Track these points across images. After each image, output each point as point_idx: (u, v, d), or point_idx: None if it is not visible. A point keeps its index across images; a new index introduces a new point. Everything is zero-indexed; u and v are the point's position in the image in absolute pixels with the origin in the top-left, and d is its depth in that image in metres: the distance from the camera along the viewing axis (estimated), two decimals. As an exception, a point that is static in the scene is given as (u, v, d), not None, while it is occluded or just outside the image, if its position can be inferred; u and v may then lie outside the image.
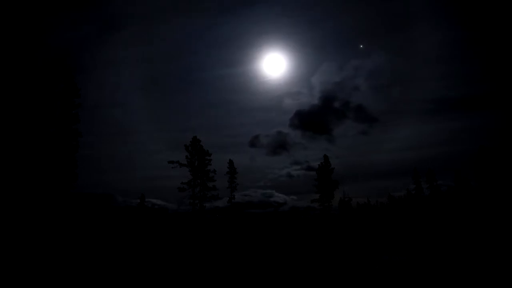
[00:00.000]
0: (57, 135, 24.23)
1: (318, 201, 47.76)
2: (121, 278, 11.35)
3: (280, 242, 23.91)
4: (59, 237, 18.90)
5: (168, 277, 11.64)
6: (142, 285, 10.57)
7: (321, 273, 12.23)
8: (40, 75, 23.71)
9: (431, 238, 22.59)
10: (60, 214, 22.35)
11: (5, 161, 21.13)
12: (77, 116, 25.00)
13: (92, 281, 10.85)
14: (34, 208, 20.87)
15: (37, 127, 23.24)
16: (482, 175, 47.75)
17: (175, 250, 19.05)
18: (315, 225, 40.68)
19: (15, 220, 18.84)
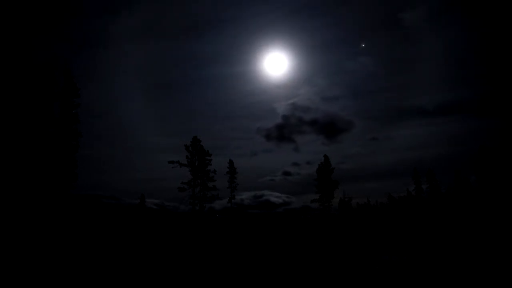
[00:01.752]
0: (57, 135, 24.22)
1: (318, 201, 47.72)
2: (122, 278, 11.35)
3: (280, 242, 23.89)
4: (59, 237, 18.89)
5: (169, 277, 11.63)
6: (143, 285, 10.56)
7: (321, 273, 12.22)
8: (40, 75, 23.69)
9: (431, 238, 22.57)
10: (61, 214, 22.34)
11: (5, 161, 21.12)
12: (77, 116, 25.00)
13: (93, 281, 10.84)
14: (34, 208, 20.86)
15: (37, 127, 23.22)
16: (483, 175, 47.74)
17: (175, 250, 19.04)
18: (315, 225, 40.68)
19: (15, 220, 18.83)
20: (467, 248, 16.85)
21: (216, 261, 15.19)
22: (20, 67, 23.17)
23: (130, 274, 12.06)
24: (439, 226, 29.04)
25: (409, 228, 29.93)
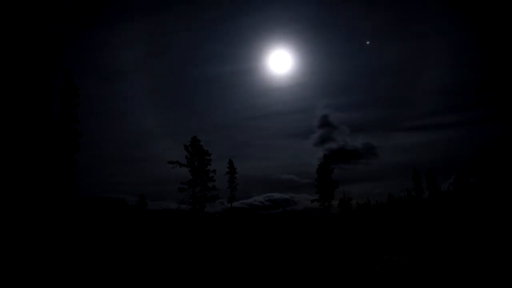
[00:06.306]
0: (57, 135, 24.25)
1: (318, 201, 47.74)
2: (122, 278, 11.34)
3: (280, 242, 23.87)
4: (58, 238, 18.88)
5: (170, 276, 11.62)
6: (144, 285, 10.56)
7: (321, 272, 12.21)
8: (39, 75, 23.68)
9: (431, 238, 22.56)
10: (61, 214, 22.32)
11: (5, 162, 21.11)
12: (76, 116, 25.04)
13: (93, 281, 10.83)
14: (34, 208, 20.85)
15: (37, 127, 23.23)
16: (482, 175, 47.81)
17: (175, 250, 19.03)
18: (315, 225, 40.63)
19: (15, 220, 18.82)
20: (467, 248, 16.85)
21: (215, 260, 15.18)
22: (20, 67, 23.16)
23: (131, 274, 12.05)
24: (439, 226, 29.04)
25: (409, 228, 29.91)
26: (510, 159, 45.62)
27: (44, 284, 10.52)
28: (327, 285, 10.47)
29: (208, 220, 38.88)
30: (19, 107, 22.48)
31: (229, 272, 12.41)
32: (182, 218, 35.97)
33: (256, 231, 33.66)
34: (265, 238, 26.99)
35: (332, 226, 37.53)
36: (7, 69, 22.54)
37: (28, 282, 10.53)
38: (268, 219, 59.46)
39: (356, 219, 45.52)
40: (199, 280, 11.24)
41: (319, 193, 47.53)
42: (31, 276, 11.17)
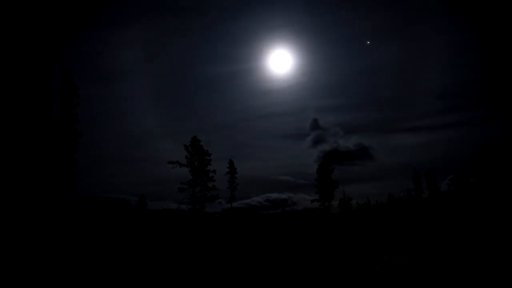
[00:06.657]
0: (57, 135, 24.24)
1: (318, 201, 47.75)
2: (122, 278, 11.33)
3: (280, 242, 23.87)
4: (58, 237, 18.87)
5: (169, 276, 11.61)
6: (144, 285, 10.55)
7: (321, 272, 12.21)
8: (39, 75, 23.67)
9: (431, 238, 22.56)
10: (61, 214, 22.31)
11: (5, 162, 21.10)
12: (76, 116, 25.03)
13: (93, 281, 10.82)
14: (34, 208, 20.84)
15: (37, 127, 23.22)
16: (482, 174, 47.83)
17: (175, 250, 19.02)
18: (315, 225, 40.63)
19: (15, 220, 18.81)
20: (467, 248, 16.85)
21: (215, 260, 15.18)
22: (20, 67, 23.15)
23: (131, 274, 12.05)
24: (439, 226, 29.04)
25: (409, 228, 29.91)
26: (510, 159, 45.68)
27: (45, 284, 10.52)
28: (327, 285, 10.46)
29: (208, 220, 38.87)
30: (19, 107, 22.47)
31: (229, 272, 12.41)
32: (182, 218, 35.93)
33: (256, 231, 33.63)
34: (265, 238, 26.96)
35: (332, 226, 37.50)
36: (7, 69, 22.52)
37: (28, 282, 10.53)
38: (268, 219, 59.48)
39: (356, 219, 45.49)
40: (199, 280, 11.24)
41: (319, 193, 47.53)
42: (31, 275, 11.17)
